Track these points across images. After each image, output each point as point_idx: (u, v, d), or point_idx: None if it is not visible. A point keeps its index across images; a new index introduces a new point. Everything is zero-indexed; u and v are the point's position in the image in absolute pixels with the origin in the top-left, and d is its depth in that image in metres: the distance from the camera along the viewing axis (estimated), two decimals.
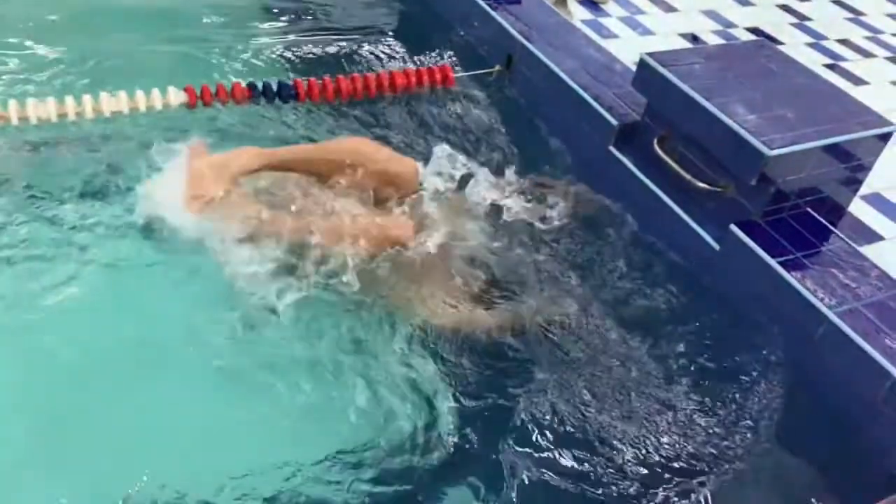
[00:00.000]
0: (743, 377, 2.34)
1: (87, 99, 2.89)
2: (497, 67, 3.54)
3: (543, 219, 2.78)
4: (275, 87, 3.17)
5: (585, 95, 3.06)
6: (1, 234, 2.43)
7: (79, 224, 2.51)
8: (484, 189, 2.82)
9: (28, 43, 3.35)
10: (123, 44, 3.45)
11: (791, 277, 2.33)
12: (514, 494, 2.03)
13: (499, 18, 3.56)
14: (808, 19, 4.29)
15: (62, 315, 2.25)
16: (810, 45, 4.03)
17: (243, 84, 3.15)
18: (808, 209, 2.61)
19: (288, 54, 3.63)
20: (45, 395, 2.09)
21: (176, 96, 3.02)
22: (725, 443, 2.20)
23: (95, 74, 3.20)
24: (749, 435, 2.23)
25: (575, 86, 3.11)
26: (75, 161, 2.73)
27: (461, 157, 2.90)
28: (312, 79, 3.25)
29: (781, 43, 3.93)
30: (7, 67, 3.19)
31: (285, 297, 2.32)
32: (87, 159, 2.74)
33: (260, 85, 3.16)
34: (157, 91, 2.99)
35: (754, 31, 4.04)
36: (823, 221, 2.59)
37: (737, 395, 2.31)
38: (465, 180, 2.82)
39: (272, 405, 2.14)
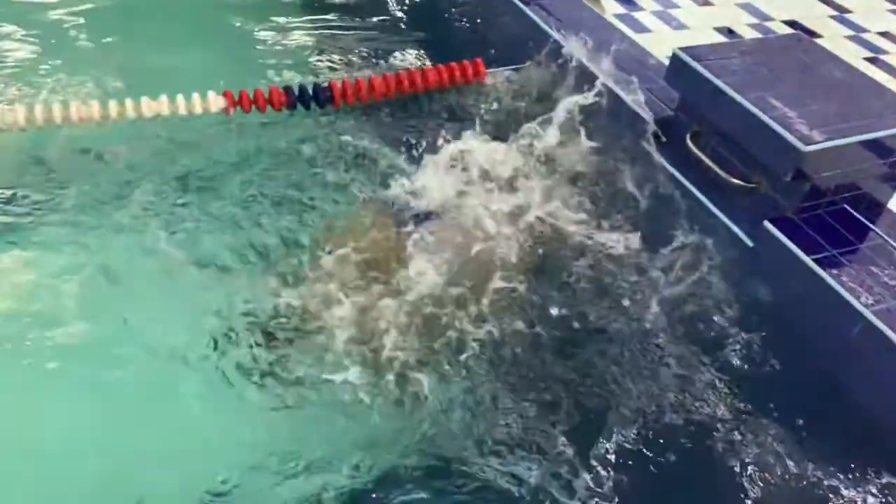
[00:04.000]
0: (776, 376, 2.33)
1: (129, 103, 2.97)
2: (528, 63, 3.54)
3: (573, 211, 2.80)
4: (311, 91, 3.21)
5: (617, 90, 3.05)
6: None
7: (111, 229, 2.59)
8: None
9: (68, 43, 3.47)
10: (158, 43, 3.54)
11: (827, 275, 2.30)
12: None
13: (531, 14, 3.56)
14: (848, 11, 4.21)
15: None
16: (850, 37, 3.95)
17: (280, 88, 3.20)
18: (845, 205, 2.57)
19: (320, 55, 3.69)
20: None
21: (216, 101, 3.08)
22: (757, 442, 2.19)
23: (134, 75, 3.30)
24: (783, 435, 2.22)
25: (608, 80, 3.10)
26: (121, 163, 2.83)
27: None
28: (347, 80, 3.29)
29: (819, 36, 3.87)
30: (49, 67, 3.30)
31: None
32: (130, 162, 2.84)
33: (296, 89, 3.21)
34: (198, 95, 3.06)
35: (791, 24, 3.98)
36: (861, 218, 2.55)
37: (769, 395, 2.30)
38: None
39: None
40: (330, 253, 2.53)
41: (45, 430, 2.10)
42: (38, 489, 1.98)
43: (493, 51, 3.68)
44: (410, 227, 2.67)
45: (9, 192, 2.70)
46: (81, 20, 3.64)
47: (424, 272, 2.50)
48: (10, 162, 2.83)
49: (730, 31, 3.82)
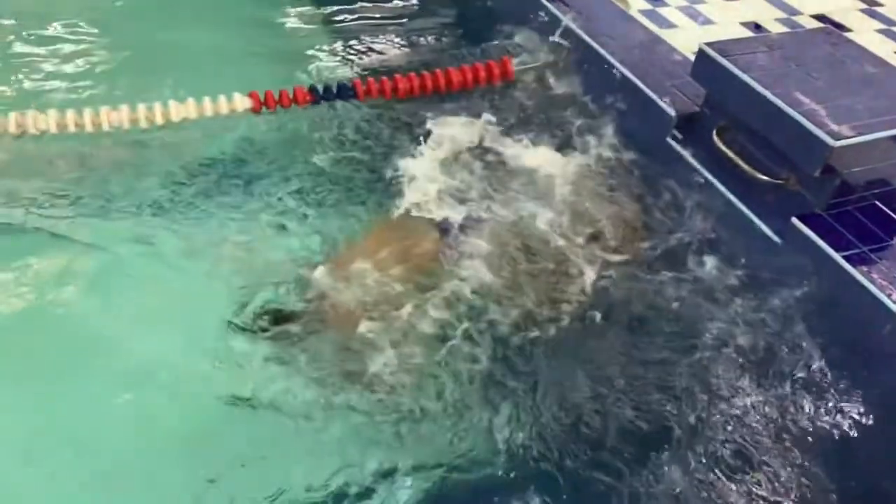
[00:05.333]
0: (805, 376, 2.29)
1: (158, 107, 3.02)
2: (553, 60, 3.53)
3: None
4: (335, 89, 3.24)
5: (643, 86, 3.04)
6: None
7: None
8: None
9: (91, 49, 3.53)
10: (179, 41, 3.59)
11: (857, 272, 2.27)
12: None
13: (555, 11, 3.55)
14: (879, 4, 4.13)
15: None
16: (881, 31, 3.87)
17: (304, 87, 3.23)
18: (876, 201, 2.53)
19: (345, 53, 3.71)
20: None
21: (242, 102, 3.12)
22: (784, 445, 2.17)
23: (156, 74, 3.34)
24: (811, 433, 2.19)
25: (632, 77, 3.08)
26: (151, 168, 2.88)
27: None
28: (371, 78, 3.31)
29: (849, 30, 3.80)
30: (71, 73, 3.36)
31: None
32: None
33: (320, 87, 3.24)
34: (224, 97, 3.10)
35: (820, 17, 3.92)
36: (892, 214, 2.51)
37: (798, 396, 2.26)
38: None
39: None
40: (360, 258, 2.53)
41: (64, 423, 2.13)
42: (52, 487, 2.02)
43: (517, 47, 3.68)
44: (447, 232, 2.67)
45: (46, 194, 2.75)
46: (106, 25, 3.70)
47: (461, 277, 2.50)
48: (45, 167, 2.89)
49: (757, 27, 3.77)
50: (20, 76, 3.33)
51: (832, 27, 3.47)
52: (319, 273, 2.48)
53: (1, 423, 2.11)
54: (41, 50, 3.51)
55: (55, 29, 3.63)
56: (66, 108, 2.98)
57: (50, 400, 2.17)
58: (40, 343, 2.32)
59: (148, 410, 2.17)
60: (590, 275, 2.57)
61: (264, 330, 2.35)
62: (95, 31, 3.64)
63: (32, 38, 3.57)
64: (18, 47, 3.51)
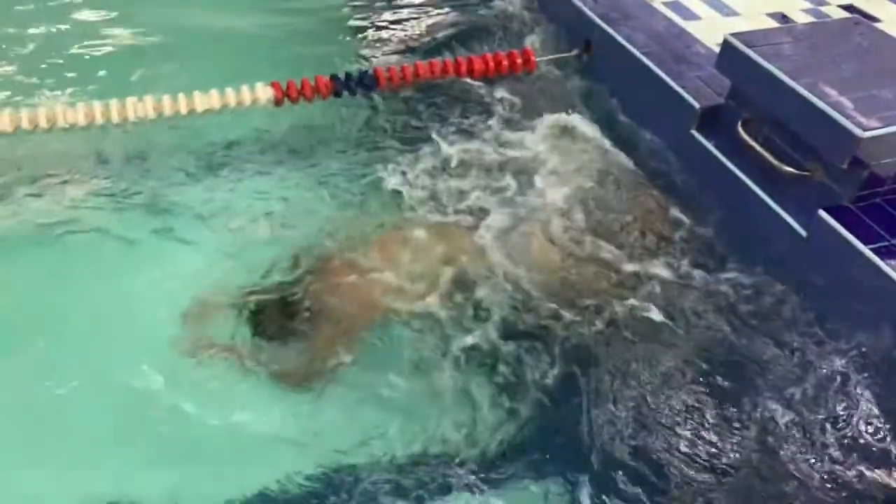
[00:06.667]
0: (832, 373, 2.27)
1: (182, 98, 3.04)
2: (575, 51, 3.51)
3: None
4: (356, 77, 3.24)
5: (667, 78, 3.01)
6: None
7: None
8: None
9: (114, 41, 3.59)
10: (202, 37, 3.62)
11: (886, 265, 2.24)
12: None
13: (577, 2, 3.53)
14: None
15: None
16: None
17: (326, 76, 3.23)
18: None
19: (367, 41, 3.72)
20: None
21: (264, 92, 3.13)
22: (814, 441, 2.15)
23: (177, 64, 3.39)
24: (840, 431, 2.17)
25: (656, 68, 3.06)
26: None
27: None
28: (393, 66, 3.31)
29: (878, 20, 3.73)
30: (92, 66, 3.41)
31: None
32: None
33: (342, 76, 3.24)
34: (247, 87, 3.11)
35: (848, 8, 3.85)
36: None
37: (827, 394, 2.24)
38: None
39: None
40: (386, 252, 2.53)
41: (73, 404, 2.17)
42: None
43: (539, 39, 3.66)
44: (474, 229, 2.66)
45: (76, 185, 2.82)
46: (126, 18, 3.74)
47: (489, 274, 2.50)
48: (75, 158, 2.94)
49: (783, 17, 3.71)
50: (47, 69, 3.38)
51: (860, 17, 3.41)
52: (338, 265, 2.48)
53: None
54: (67, 42, 3.56)
55: (79, 20, 3.68)
56: (93, 100, 3.02)
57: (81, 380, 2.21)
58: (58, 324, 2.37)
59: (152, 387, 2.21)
60: (618, 270, 2.56)
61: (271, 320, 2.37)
62: (120, 20, 3.68)
63: (56, 31, 3.62)
64: (43, 39, 3.56)
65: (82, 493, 1.99)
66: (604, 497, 2.05)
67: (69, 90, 3.23)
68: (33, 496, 2.00)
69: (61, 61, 3.42)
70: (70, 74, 3.34)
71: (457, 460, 2.11)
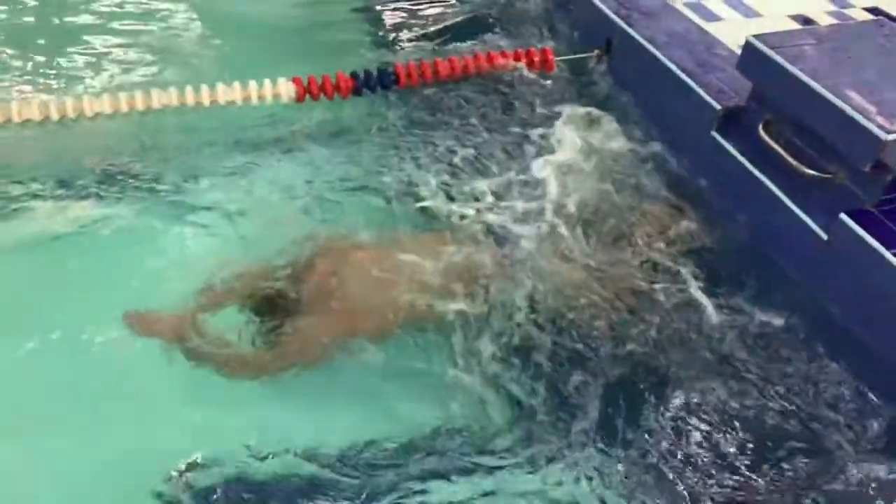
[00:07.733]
0: (853, 379, 2.26)
1: (205, 90, 3.08)
2: (595, 52, 3.51)
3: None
4: (376, 75, 3.25)
5: (687, 79, 3.00)
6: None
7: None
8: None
9: (138, 34, 3.63)
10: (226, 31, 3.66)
11: None
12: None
13: (598, 3, 3.52)
14: None
15: None
16: None
17: (346, 73, 3.25)
18: None
19: (388, 37, 3.74)
20: None
21: (286, 87, 3.15)
22: (836, 446, 2.14)
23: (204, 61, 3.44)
24: (865, 434, 2.17)
25: (677, 69, 3.05)
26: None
27: None
28: (412, 64, 3.32)
29: None
30: (118, 56, 3.46)
31: None
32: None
33: (362, 73, 3.26)
34: (269, 82, 3.14)
35: (873, 10, 3.82)
36: None
37: (846, 398, 2.24)
38: None
39: None
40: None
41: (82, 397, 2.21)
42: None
43: (559, 39, 3.66)
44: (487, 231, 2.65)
45: (107, 173, 2.87)
46: (152, 11, 3.78)
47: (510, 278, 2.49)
48: (100, 147, 2.98)
49: (806, 20, 3.69)
50: (72, 61, 3.43)
51: (885, 18, 3.39)
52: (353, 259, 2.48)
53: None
54: (90, 36, 3.61)
55: (106, 13, 3.72)
56: (118, 91, 3.07)
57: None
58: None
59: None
60: (639, 273, 2.56)
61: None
62: (142, 14, 3.72)
63: (79, 24, 3.67)
64: (71, 31, 3.60)
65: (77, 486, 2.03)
66: (605, 494, 2.07)
67: (95, 82, 3.26)
68: (31, 496, 2.04)
69: (85, 55, 3.47)
70: (97, 69, 3.39)
71: (457, 456, 2.14)
